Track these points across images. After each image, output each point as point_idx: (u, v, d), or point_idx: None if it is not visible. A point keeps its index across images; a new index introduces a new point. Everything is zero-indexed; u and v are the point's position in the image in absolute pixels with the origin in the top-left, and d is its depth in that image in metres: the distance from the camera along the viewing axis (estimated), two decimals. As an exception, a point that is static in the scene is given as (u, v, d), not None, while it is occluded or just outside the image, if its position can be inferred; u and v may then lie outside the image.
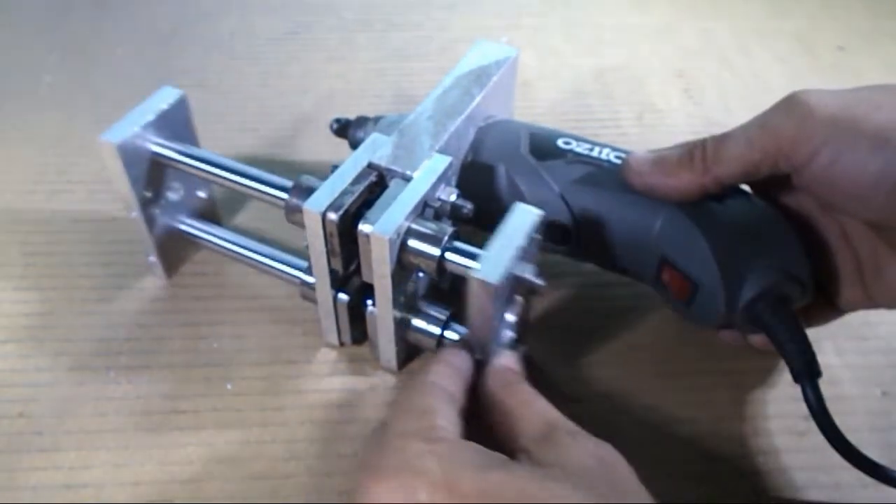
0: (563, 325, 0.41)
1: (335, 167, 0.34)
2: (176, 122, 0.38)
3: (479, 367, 0.32)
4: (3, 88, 0.57)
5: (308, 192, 0.33)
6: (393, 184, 0.34)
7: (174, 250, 0.42)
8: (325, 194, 0.33)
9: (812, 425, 0.35)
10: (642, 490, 0.26)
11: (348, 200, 0.32)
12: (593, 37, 0.64)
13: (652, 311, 0.41)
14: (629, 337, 0.40)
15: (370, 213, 0.32)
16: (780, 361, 0.39)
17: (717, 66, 0.60)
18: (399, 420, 0.28)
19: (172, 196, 0.40)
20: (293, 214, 0.34)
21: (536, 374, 0.36)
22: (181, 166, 0.38)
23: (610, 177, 0.36)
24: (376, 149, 0.35)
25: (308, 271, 0.37)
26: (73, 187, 0.49)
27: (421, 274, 0.36)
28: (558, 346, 0.40)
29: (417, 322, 0.36)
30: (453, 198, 0.34)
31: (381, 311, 0.34)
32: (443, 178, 0.34)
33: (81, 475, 0.34)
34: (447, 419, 0.28)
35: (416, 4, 0.67)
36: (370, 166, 0.34)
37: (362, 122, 0.43)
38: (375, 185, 0.34)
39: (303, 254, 0.37)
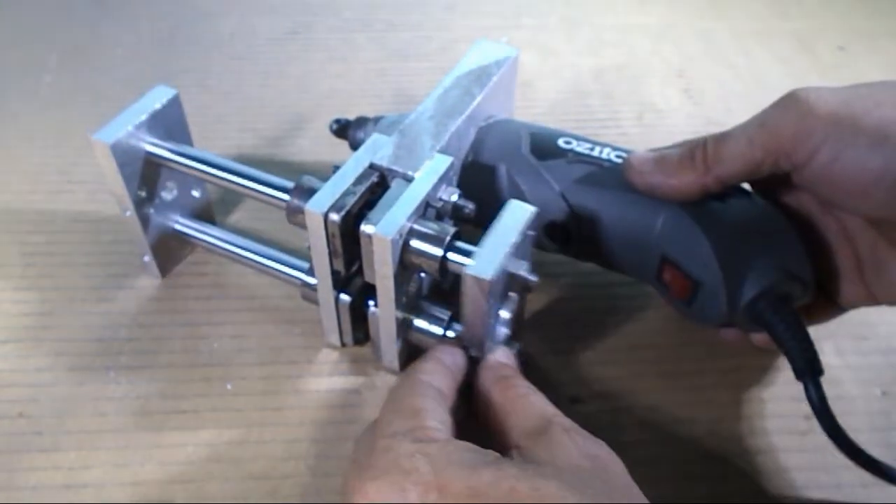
0: (562, 324, 0.41)
1: (336, 168, 0.34)
2: (170, 121, 0.38)
3: (474, 363, 0.32)
4: (3, 88, 0.57)
5: (309, 192, 0.33)
6: (395, 184, 0.34)
7: (169, 250, 0.42)
8: (327, 195, 0.32)
9: (812, 425, 0.35)
10: (635, 490, 0.26)
11: (350, 201, 0.32)
12: (593, 37, 0.64)
13: (652, 311, 0.41)
14: (629, 337, 0.40)
15: (372, 214, 0.32)
16: (780, 361, 0.39)
17: (717, 66, 0.60)
18: (389, 420, 0.28)
19: (166, 195, 0.40)
20: (295, 215, 0.34)
21: (533, 370, 0.36)
22: (175, 165, 0.38)
23: (611, 176, 0.36)
24: (377, 149, 0.35)
25: (309, 272, 0.37)
26: (73, 187, 0.49)
27: (423, 274, 0.36)
28: (558, 346, 0.40)
29: (419, 322, 0.36)
30: (454, 198, 0.34)
31: (384, 311, 0.34)
32: (444, 179, 0.34)
33: (81, 475, 0.34)
34: (437, 418, 0.28)
35: (416, 4, 0.67)
36: (372, 167, 0.34)
37: (362, 122, 0.43)
38: (377, 186, 0.34)
39: (303, 254, 0.37)
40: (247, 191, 0.37)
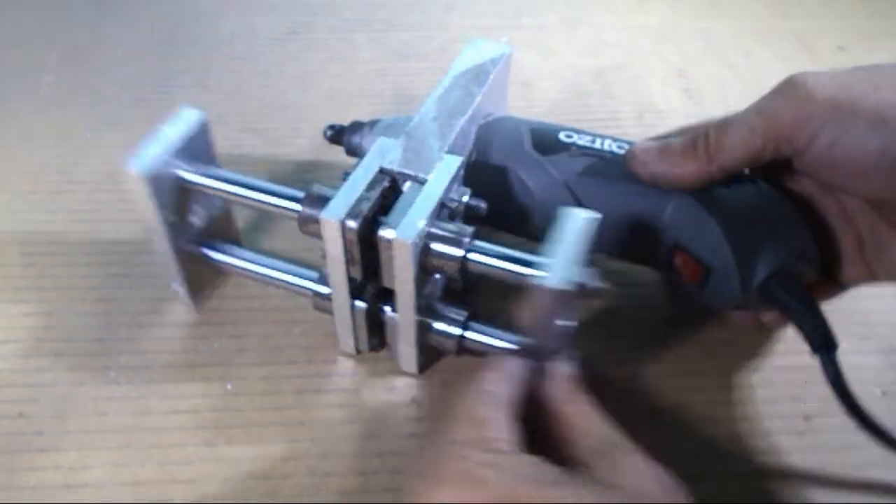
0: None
1: (347, 174, 0.34)
2: (198, 144, 0.36)
3: (536, 373, 0.32)
4: (3, 88, 0.57)
5: (321, 200, 0.33)
6: (408, 188, 0.34)
7: (199, 276, 0.40)
8: (342, 202, 0.32)
9: (812, 425, 0.35)
10: None
11: (366, 207, 0.32)
12: (593, 37, 0.64)
13: (651, 311, 0.41)
14: (629, 337, 0.40)
15: (390, 219, 0.32)
16: (780, 361, 0.39)
17: (717, 66, 0.60)
18: (454, 428, 0.28)
19: (195, 220, 0.39)
20: (308, 225, 0.34)
21: (595, 380, 0.36)
22: (208, 190, 0.37)
23: (615, 167, 0.36)
24: (385, 153, 0.35)
25: (320, 281, 0.37)
26: (73, 187, 0.49)
27: (437, 276, 0.36)
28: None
29: (437, 324, 0.36)
30: (466, 198, 0.34)
31: (403, 315, 0.34)
32: (455, 179, 0.34)
33: (81, 475, 0.34)
34: (503, 429, 0.27)
35: (416, 4, 0.67)
36: (382, 171, 0.34)
37: (357, 127, 0.42)
38: (388, 190, 0.34)
39: (311, 264, 0.37)
40: (261, 205, 0.36)
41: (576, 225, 0.31)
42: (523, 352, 0.32)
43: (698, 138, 0.34)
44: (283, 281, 0.39)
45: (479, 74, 0.40)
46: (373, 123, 0.42)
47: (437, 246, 0.32)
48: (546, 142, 0.38)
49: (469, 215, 0.35)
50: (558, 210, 0.36)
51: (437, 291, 0.37)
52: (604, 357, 0.39)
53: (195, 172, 0.36)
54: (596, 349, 0.40)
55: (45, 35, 0.62)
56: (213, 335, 0.40)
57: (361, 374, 0.38)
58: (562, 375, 0.31)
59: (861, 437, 0.36)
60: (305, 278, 0.38)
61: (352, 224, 0.32)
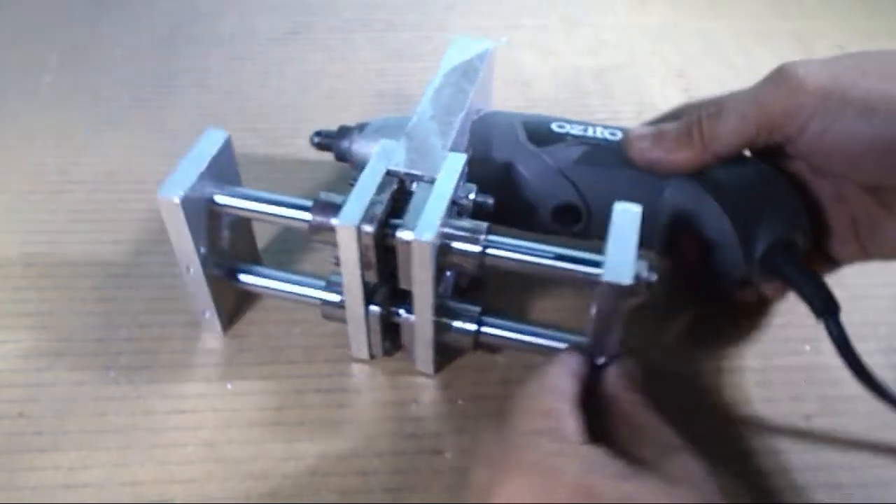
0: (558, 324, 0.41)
1: (354, 179, 0.34)
2: (223, 165, 0.36)
3: (596, 370, 0.32)
4: (3, 88, 0.57)
5: (331, 207, 0.33)
6: (418, 188, 0.34)
7: (227, 300, 0.39)
8: (356, 207, 0.32)
9: (812, 425, 0.36)
10: None
11: (379, 211, 0.32)
12: (593, 37, 0.64)
13: (649, 312, 0.41)
14: (627, 339, 0.40)
15: (406, 220, 0.32)
16: (780, 361, 0.39)
17: (717, 66, 0.60)
18: (523, 419, 0.28)
19: (223, 243, 0.38)
20: (319, 233, 0.34)
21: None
22: (238, 210, 0.36)
23: (610, 154, 0.37)
24: (389, 155, 0.35)
25: (328, 289, 0.37)
26: (73, 187, 0.49)
27: (447, 274, 0.36)
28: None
29: (453, 322, 0.36)
30: (473, 195, 0.34)
31: (421, 316, 0.34)
32: (462, 176, 0.34)
33: (81, 475, 0.34)
34: (571, 421, 0.28)
35: (416, 4, 0.67)
36: (389, 174, 0.34)
37: (345, 131, 0.42)
38: (397, 192, 0.34)
39: (314, 274, 0.38)
40: (273, 218, 0.36)
41: (626, 218, 0.32)
42: (580, 348, 0.33)
43: (692, 125, 0.35)
44: (300, 294, 0.38)
45: (468, 71, 0.40)
46: (361, 127, 0.42)
47: (455, 244, 0.33)
48: (540, 133, 0.39)
49: (478, 212, 0.35)
50: (553, 201, 0.38)
51: (448, 290, 0.37)
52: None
53: (227, 194, 0.36)
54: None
55: (45, 35, 0.63)
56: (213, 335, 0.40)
57: (362, 373, 0.38)
58: (627, 373, 0.32)
59: (861, 437, 0.36)
60: (315, 287, 0.38)
61: (368, 228, 0.32)
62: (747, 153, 0.37)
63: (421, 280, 0.33)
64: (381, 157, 0.35)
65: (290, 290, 0.38)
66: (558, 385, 0.30)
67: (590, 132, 0.38)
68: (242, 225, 0.39)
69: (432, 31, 0.64)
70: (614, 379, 0.31)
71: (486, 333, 0.36)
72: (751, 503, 0.26)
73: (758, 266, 0.35)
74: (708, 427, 0.36)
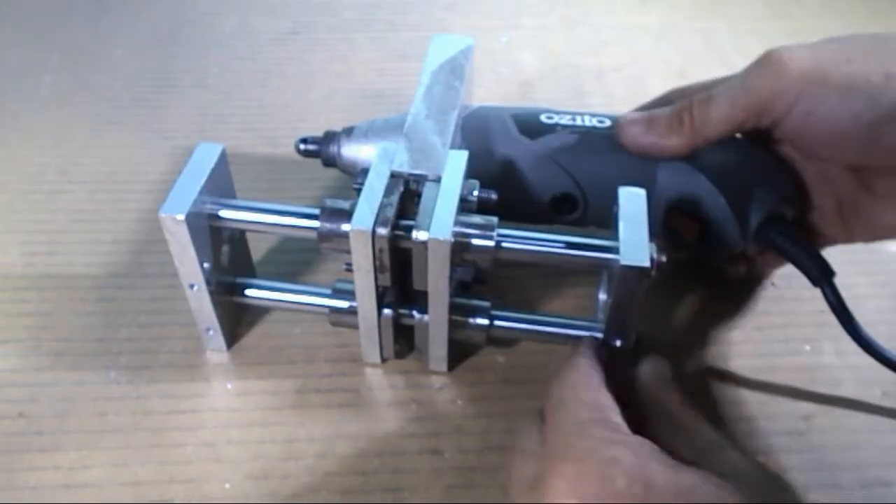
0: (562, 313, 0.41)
1: (360, 184, 0.34)
2: (219, 178, 0.35)
3: (616, 356, 0.33)
4: (3, 88, 0.57)
5: (340, 214, 0.33)
6: (425, 188, 0.34)
7: (231, 316, 0.39)
8: (367, 211, 0.32)
9: (812, 425, 0.36)
10: None
11: (391, 213, 0.32)
12: (593, 37, 0.64)
13: (648, 310, 0.41)
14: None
15: (419, 221, 0.32)
16: (780, 360, 0.39)
17: (717, 66, 0.60)
18: (571, 410, 0.28)
19: (223, 258, 0.37)
20: (329, 239, 0.34)
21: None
22: (238, 224, 0.36)
23: (602, 140, 0.38)
24: (391, 157, 0.35)
25: (335, 296, 0.37)
26: (73, 187, 0.49)
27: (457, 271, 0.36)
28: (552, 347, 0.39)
29: (465, 318, 0.36)
30: (476, 192, 0.35)
31: (436, 315, 0.35)
32: (466, 173, 0.34)
33: (81, 475, 0.34)
34: (616, 412, 0.28)
35: (416, 5, 0.67)
36: (394, 175, 0.34)
37: (332, 137, 0.42)
38: (403, 193, 0.34)
39: (314, 282, 0.37)
40: (279, 229, 0.36)
41: (632, 202, 0.32)
42: (592, 338, 0.33)
43: (683, 112, 0.35)
44: (308, 304, 0.38)
45: (454, 68, 0.40)
46: (348, 131, 0.41)
47: (469, 240, 0.33)
48: (531, 126, 0.39)
49: (483, 207, 0.35)
50: (550, 191, 0.38)
51: (456, 287, 0.37)
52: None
53: (230, 208, 0.35)
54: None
55: (45, 35, 0.63)
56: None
57: (361, 374, 0.38)
58: (657, 373, 0.32)
59: (861, 437, 0.36)
60: (321, 296, 0.38)
61: (382, 231, 0.32)
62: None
63: (437, 279, 0.33)
64: (383, 160, 0.35)
65: (297, 300, 0.38)
66: (593, 377, 0.30)
67: (578, 121, 0.39)
68: (240, 238, 0.39)
69: (432, 31, 0.63)
70: (651, 379, 0.31)
71: (498, 327, 0.36)
72: (796, 502, 0.26)
73: (752, 240, 0.37)
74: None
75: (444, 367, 0.38)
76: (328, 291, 0.37)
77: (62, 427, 0.36)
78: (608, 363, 0.32)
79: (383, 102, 0.56)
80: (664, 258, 0.31)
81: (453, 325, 0.36)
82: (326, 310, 0.37)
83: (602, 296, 0.35)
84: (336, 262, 0.43)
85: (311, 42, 0.63)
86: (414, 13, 0.66)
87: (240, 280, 0.39)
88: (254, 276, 0.41)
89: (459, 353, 0.38)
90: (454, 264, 0.33)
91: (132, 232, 0.45)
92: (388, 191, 0.34)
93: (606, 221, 0.36)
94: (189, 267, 0.34)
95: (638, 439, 0.26)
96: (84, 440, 0.35)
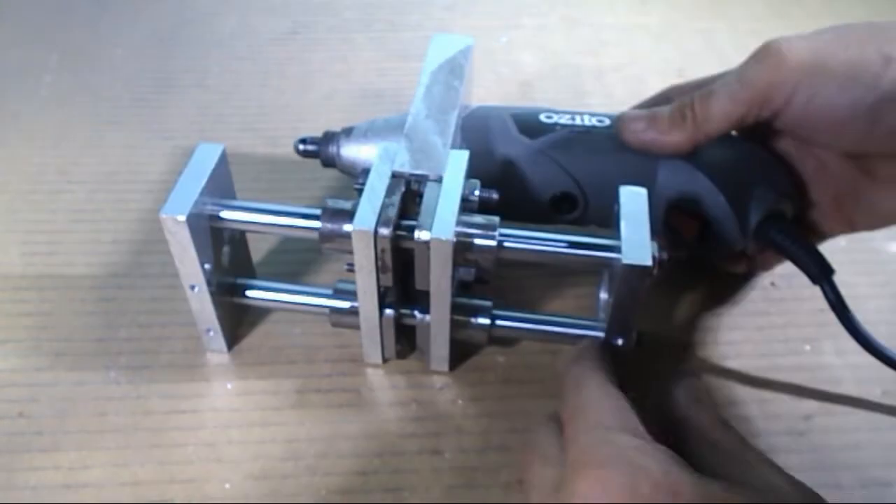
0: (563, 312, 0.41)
1: (361, 185, 0.34)
2: (219, 179, 0.35)
3: (617, 354, 0.33)
4: (3, 88, 0.57)
5: (342, 214, 0.33)
6: (427, 188, 0.34)
7: (231, 318, 0.39)
8: (369, 211, 0.32)
9: (812, 425, 0.35)
10: None
11: (392, 213, 0.32)
12: (593, 37, 0.64)
13: (648, 309, 0.41)
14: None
15: (421, 221, 0.32)
16: (780, 360, 0.39)
17: (717, 66, 0.60)
18: (595, 415, 0.27)
19: (224, 259, 0.37)
20: (331, 240, 0.34)
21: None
22: (239, 224, 0.36)
23: (602, 139, 0.38)
24: (392, 157, 0.35)
25: (336, 296, 0.37)
26: (73, 187, 0.49)
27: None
28: (552, 347, 0.39)
29: (467, 318, 0.36)
30: (478, 191, 0.35)
31: (438, 315, 0.34)
32: (467, 173, 0.35)
33: (81, 475, 0.34)
34: (639, 421, 0.27)
35: (416, 4, 0.67)
36: (395, 176, 0.34)
37: (331, 137, 0.42)
38: (405, 193, 0.34)
39: (317, 283, 0.37)
40: (280, 230, 0.36)
41: (633, 201, 0.33)
42: (591, 340, 0.34)
43: (684, 108, 0.36)
44: (309, 305, 0.38)
45: (454, 68, 0.40)
46: (348, 131, 0.41)
47: (471, 240, 0.33)
48: (530, 125, 0.39)
49: (484, 206, 0.35)
50: (550, 190, 0.38)
51: (457, 287, 0.37)
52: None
53: (231, 209, 0.35)
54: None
55: (45, 35, 0.63)
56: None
57: (361, 374, 0.38)
58: (689, 392, 0.32)
59: (861, 437, 0.36)
60: (322, 296, 0.38)
61: (384, 232, 0.32)
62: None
63: (439, 279, 0.33)
64: (384, 160, 0.35)
65: (297, 301, 0.38)
66: (610, 382, 0.30)
67: (578, 120, 0.39)
68: (240, 239, 0.39)
69: (433, 31, 0.63)
70: (684, 399, 0.31)
71: (500, 326, 0.36)
72: None
73: (752, 238, 0.37)
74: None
75: (445, 366, 0.38)
76: (329, 292, 0.37)
77: (62, 427, 0.36)
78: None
79: (383, 102, 0.56)
80: (665, 256, 0.32)
81: (455, 325, 0.36)
82: (327, 310, 0.37)
83: (603, 295, 0.35)
84: (336, 263, 0.43)
85: (311, 42, 0.63)
86: (414, 13, 0.66)
87: (240, 281, 0.38)
88: (254, 276, 0.41)
89: (461, 352, 0.38)
90: (456, 264, 0.33)
91: (132, 232, 0.45)
92: (390, 191, 0.34)
93: (606, 220, 0.37)
94: (190, 268, 0.34)
95: (663, 448, 0.26)
96: (84, 440, 0.35)
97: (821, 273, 0.35)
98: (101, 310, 0.41)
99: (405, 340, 0.38)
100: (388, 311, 0.36)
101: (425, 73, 0.40)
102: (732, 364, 0.39)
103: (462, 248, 0.33)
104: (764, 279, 0.43)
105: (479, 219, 0.33)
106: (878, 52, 0.32)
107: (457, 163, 0.34)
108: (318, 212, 0.34)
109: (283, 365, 0.39)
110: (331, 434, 0.36)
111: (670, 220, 0.38)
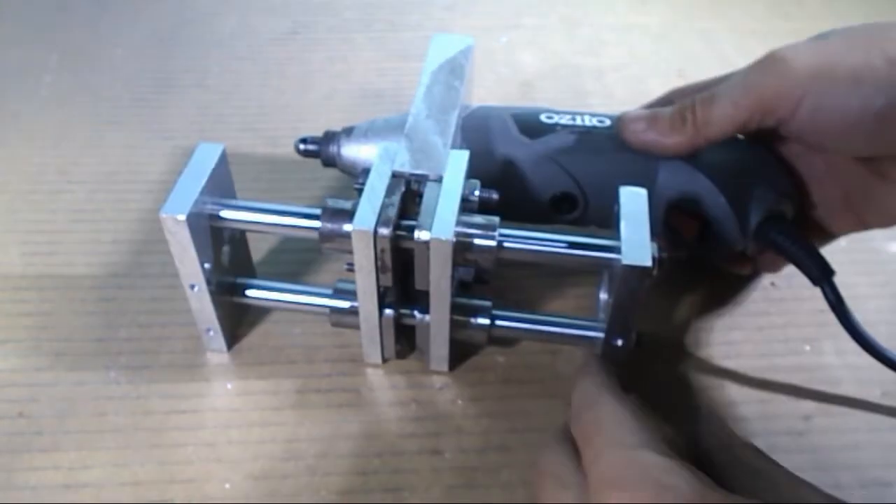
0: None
1: (361, 184, 0.34)
2: (219, 178, 0.35)
3: (617, 355, 0.33)
4: (4, 88, 0.57)
5: (342, 214, 0.33)
6: (427, 188, 0.34)
7: (231, 317, 0.39)
8: (369, 211, 0.32)
9: (812, 425, 0.36)
10: None
11: (392, 213, 0.32)
12: (593, 37, 0.64)
13: (648, 310, 0.41)
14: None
15: (421, 221, 0.32)
16: (779, 360, 0.39)
17: (717, 66, 0.60)
18: (615, 433, 0.27)
19: (224, 258, 0.37)
20: (331, 240, 0.34)
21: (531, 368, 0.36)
22: (239, 224, 0.36)
23: (602, 140, 0.38)
24: (392, 157, 0.35)
25: (336, 296, 0.37)
26: (73, 187, 0.49)
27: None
28: (553, 347, 0.40)
29: (466, 318, 0.36)
30: (478, 191, 0.35)
31: (438, 315, 0.35)
32: (468, 173, 0.35)
33: (81, 475, 0.34)
34: (661, 437, 0.26)
35: (416, 4, 0.67)
36: (395, 176, 0.34)
37: (331, 137, 0.42)
38: (405, 193, 0.34)
39: (317, 283, 0.37)
40: (280, 229, 0.36)
41: (633, 202, 0.33)
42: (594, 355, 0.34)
43: (686, 111, 0.35)
44: (309, 304, 0.38)
45: (454, 68, 0.40)
46: (348, 131, 0.41)
47: (470, 240, 0.33)
48: (531, 126, 0.39)
49: (484, 207, 0.35)
50: (550, 190, 0.38)
51: (457, 287, 0.37)
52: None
53: (231, 208, 0.35)
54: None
55: (45, 35, 0.63)
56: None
57: (361, 374, 0.38)
58: (723, 425, 0.32)
59: (861, 437, 0.36)
60: (322, 296, 0.37)
61: (384, 232, 0.32)
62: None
63: (438, 279, 0.33)
64: (384, 160, 0.35)
65: (298, 301, 0.38)
66: (625, 397, 0.29)
67: (578, 121, 0.39)
68: (240, 238, 0.39)
69: (433, 31, 0.63)
70: (721, 429, 0.31)
71: (499, 326, 0.36)
72: None
73: (752, 239, 0.37)
74: (707, 427, 0.36)
75: (445, 366, 0.38)
76: (329, 292, 0.37)
77: (62, 427, 0.36)
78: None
79: (383, 102, 0.56)
80: (665, 256, 0.32)
81: (455, 325, 0.36)
82: (327, 310, 0.37)
83: (603, 295, 0.35)
84: (336, 262, 0.43)
85: (311, 42, 0.63)
86: (414, 13, 0.66)
87: (240, 280, 0.38)
88: (254, 276, 0.41)
89: (460, 352, 0.38)
90: (456, 264, 0.33)
91: (132, 232, 0.45)
92: (390, 191, 0.34)
93: (606, 221, 0.37)
94: (190, 267, 0.34)
95: (688, 465, 0.25)
96: (84, 440, 0.35)
97: (821, 274, 0.35)
98: (101, 310, 0.41)
99: (405, 340, 0.38)
100: (388, 311, 0.36)
101: (426, 73, 0.40)
102: (732, 364, 0.39)
103: (462, 248, 0.33)
104: (764, 279, 0.43)
105: (478, 219, 0.33)
106: (882, 55, 0.32)
107: (457, 163, 0.34)
108: (318, 212, 0.34)
109: (283, 365, 0.39)
110: (331, 434, 0.36)
111: (670, 220, 0.38)
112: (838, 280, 0.35)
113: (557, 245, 0.33)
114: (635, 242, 0.31)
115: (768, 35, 0.64)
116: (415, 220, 0.32)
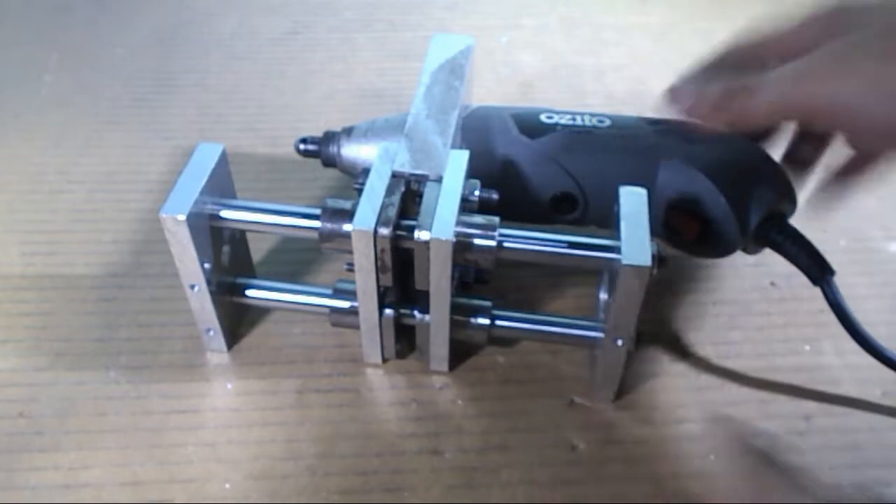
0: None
1: (361, 184, 0.34)
2: (219, 178, 0.35)
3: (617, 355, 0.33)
4: (3, 88, 0.57)
5: (342, 213, 0.33)
6: (427, 188, 0.34)
7: (231, 317, 0.39)
8: (369, 211, 0.32)
9: (812, 425, 0.35)
10: None
11: (392, 213, 0.32)
12: (593, 37, 0.64)
13: (648, 310, 0.41)
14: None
15: (421, 221, 0.32)
16: (779, 360, 0.39)
17: (717, 66, 0.60)
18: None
19: (224, 258, 0.37)
20: (331, 240, 0.34)
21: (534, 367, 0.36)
22: (239, 224, 0.36)
23: (601, 140, 0.38)
24: (392, 157, 0.35)
25: (336, 296, 0.37)
26: (73, 187, 0.49)
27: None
28: (553, 347, 0.40)
29: (466, 318, 0.36)
30: (478, 192, 0.35)
31: (438, 315, 0.35)
32: (468, 173, 0.34)
33: (81, 475, 0.34)
34: None
35: (416, 4, 0.67)
36: (395, 175, 0.34)
37: (331, 137, 0.42)
38: (405, 193, 0.34)
39: (317, 283, 0.37)
40: (280, 229, 0.36)
41: (633, 202, 0.33)
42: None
43: (734, 97, 0.33)
44: (309, 304, 0.38)
45: (454, 68, 0.41)
46: (348, 131, 0.41)
47: (470, 240, 0.33)
48: (531, 126, 0.39)
49: (484, 207, 0.35)
50: (550, 190, 0.38)
51: (457, 287, 0.37)
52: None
53: (231, 208, 0.35)
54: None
55: (45, 35, 0.63)
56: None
57: (361, 373, 0.38)
58: None
59: (861, 437, 0.36)
60: (322, 296, 0.37)
61: (384, 232, 0.32)
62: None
63: (438, 279, 0.33)
64: (384, 160, 0.35)
65: (297, 300, 0.38)
66: None
67: (578, 120, 0.39)
68: (240, 238, 0.39)
69: (433, 31, 0.63)
70: None
71: (499, 326, 0.36)
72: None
73: (752, 238, 0.37)
74: (707, 427, 0.36)
75: (445, 366, 0.38)
76: (329, 291, 0.37)
77: (62, 427, 0.36)
78: None
79: (383, 102, 0.56)
80: (665, 255, 0.32)
81: (454, 325, 0.36)
82: (327, 310, 0.37)
83: (603, 295, 0.36)
84: (336, 262, 0.43)
85: (311, 42, 0.63)
86: (414, 13, 0.66)
87: (240, 280, 0.39)
88: (254, 276, 0.41)
89: (460, 352, 0.38)
90: (456, 264, 0.33)
91: (132, 232, 0.45)
92: (390, 191, 0.34)
93: (606, 221, 0.37)
94: (190, 267, 0.34)
95: None
96: (84, 440, 0.35)
97: (821, 273, 0.36)
98: (101, 310, 0.41)
99: (405, 340, 0.38)
100: (388, 311, 0.36)
101: (426, 73, 0.40)
102: (732, 364, 0.39)
103: (462, 248, 0.33)
104: (764, 279, 0.43)
105: (478, 219, 0.33)
106: None
107: (457, 163, 0.34)
108: (318, 212, 0.34)
109: (283, 365, 0.39)
110: (331, 434, 0.36)
111: (670, 220, 0.38)
112: (838, 280, 0.35)
113: (557, 245, 0.33)
114: (635, 242, 0.31)
115: (768, 35, 0.64)
116: (415, 220, 0.32)
